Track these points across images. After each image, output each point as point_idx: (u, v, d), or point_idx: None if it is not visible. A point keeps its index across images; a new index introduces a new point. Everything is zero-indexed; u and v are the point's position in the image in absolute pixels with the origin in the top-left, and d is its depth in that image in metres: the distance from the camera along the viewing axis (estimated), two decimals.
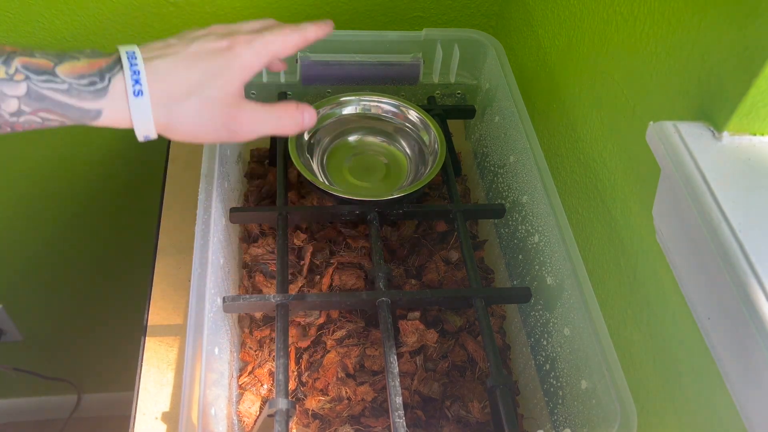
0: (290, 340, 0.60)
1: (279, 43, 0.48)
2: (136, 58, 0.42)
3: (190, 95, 0.43)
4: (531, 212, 0.60)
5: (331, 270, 0.64)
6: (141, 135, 0.44)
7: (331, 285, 0.64)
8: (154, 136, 0.44)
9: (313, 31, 0.50)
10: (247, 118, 0.46)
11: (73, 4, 0.77)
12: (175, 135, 0.45)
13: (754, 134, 0.41)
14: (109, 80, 0.42)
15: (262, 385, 0.59)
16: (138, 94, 0.42)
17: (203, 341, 0.47)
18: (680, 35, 0.46)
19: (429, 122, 0.67)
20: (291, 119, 0.49)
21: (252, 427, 0.56)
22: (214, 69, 0.44)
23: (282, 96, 0.72)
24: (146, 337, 0.64)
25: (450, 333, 0.63)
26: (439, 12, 0.85)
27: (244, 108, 0.46)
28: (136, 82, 0.42)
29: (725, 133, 0.41)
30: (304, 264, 0.65)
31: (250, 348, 0.61)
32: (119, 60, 0.42)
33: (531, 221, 0.60)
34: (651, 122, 0.43)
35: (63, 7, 0.77)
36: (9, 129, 0.41)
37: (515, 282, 0.64)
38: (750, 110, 0.39)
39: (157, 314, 0.65)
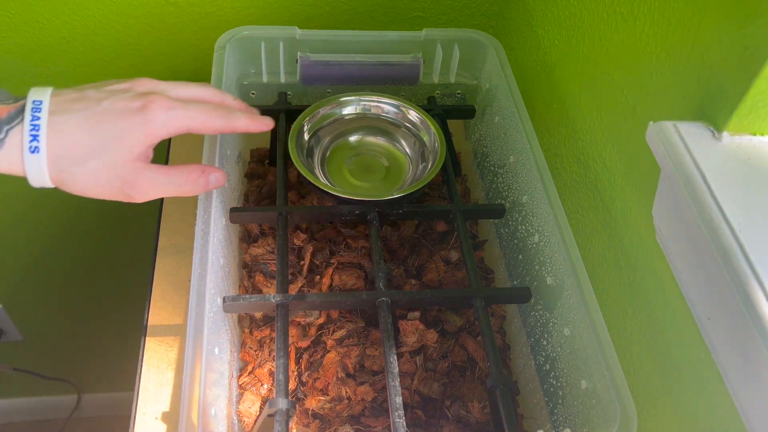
0: (290, 340, 0.60)
1: (199, 122, 0.46)
2: (40, 111, 0.41)
3: (88, 157, 0.42)
4: (531, 212, 0.60)
5: (331, 270, 0.64)
6: (35, 185, 0.43)
7: (331, 285, 0.64)
8: (49, 186, 0.44)
9: (243, 124, 0.49)
10: (144, 185, 0.45)
11: (73, 4, 0.77)
12: (68, 190, 0.44)
13: (754, 134, 0.41)
14: (6, 133, 0.41)
15: (262, 384, 0.59)
16: (34, 150, 0.41)
17: (203, 341, 0.47)
18: (680, 35, 0.46)
19: (429, 122, 0.67)
20: (193, 185, 0.48)
21: (252, 427, 0.56)
22: (118, 131, 0.43)
23: (282, 96, 0.72)
24: (146, 337, 0.64)
25: (450, 333, 0.63)
26: (439, 12, 0.85)
27: (144, 174, 0.45)
28: (34, 138, 0.41)
29: (725, 133, 0.41)
30: (304, 264, 0.65)
31: (250, 348, 0.61)
32: (23, 110, 0.41)
33: (531, 221, 0.60)
34: (651, 122, 0.43)
35: (63, 7, 0.77)
36: None
37: (515, 282, 0.64)
38: (750, 110, 0.39)
39: (157, 314, 0.65)
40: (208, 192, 0.54)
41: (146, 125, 0.43)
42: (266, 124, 0.51)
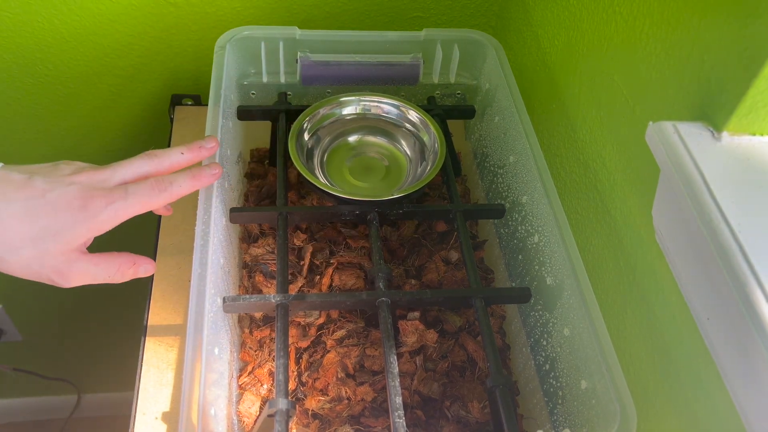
0: (290, 340, 0.60)
1: (142, 207, 0.47)
2: None
3: (23, 247, 0.43)
4: (531, 212, 0.60)
5: (331, 270, 0.64)
6: None
7: (331, 285, 0.64)
8: None
9: (187, 188, 0.50)
10: (74, 275, 0.46)
11: (73, 4, 0.77)
12: (1, 269, 0.45)
13: (754, 134, 0.41)
14: None
15: (262, 385, 0.59)
16: None
17: (203, 341, 0.47)
18: (680, 35, 0.46)
19: (429, 122, 0.67)
20: (123, 275, 0.49)
21: (252, 427, 0.56)
22: (58, 226, 0.43)
23: (282, 96, 0.72)
24: (146, 337, 0.64)
25: (450, 333, 0.63)
26: (439, 12, 0.85)
27: (75, 264, 0.45)
28: None
29: (725, 133, 0.41)
30: (304, 264, 0.65)
31: (250, 348, 0.62)
32: None
33: (531, 221, 0.60)
34: (650, 122, 0.43)
35: (63, 7, 0.77)
36: None
37: (515, 282, 0.64)
38: (750, 110, 0.39)
39: (157, 314, 0.65)
40: (208, 192, 0.54)
41: (88, 221, 0.44)
42: (212, 175, 0.52)
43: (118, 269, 0.48)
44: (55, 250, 0.44)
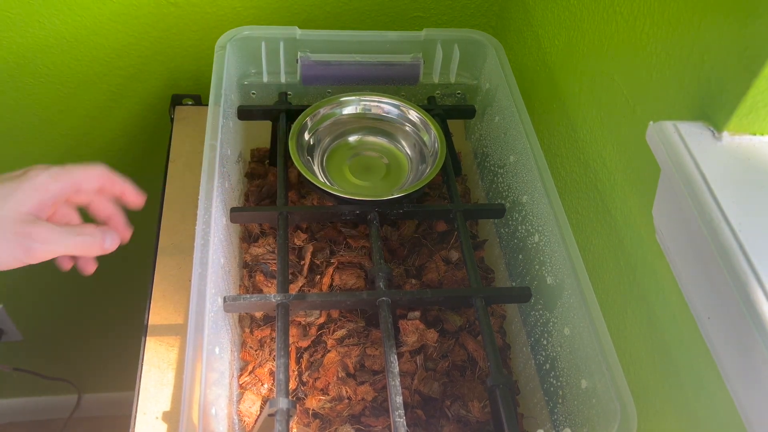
0: (291, 340, 0.60)
1: (82, 174, 0.50)
2: None
3: None
4: (531, 212, 0.60)
5: (331, 270, 0.64)
6: None
7: (331, 285, 0.64)
8: None
9: (124, 191, 0.56)
10: (43, 235, 0.46)
11: (73, 4, 0.77)
12: None
13: (754, 134, 0.41)
14: None
15: (262, 384, 0.59)
16: None
17: (204, 341, 0.47)
18: (680, 35, 0.46)
19: (429, 122, 0.67)
20: (88, 243, 0.49)
21: (252, 427, 0.56)
22: (3, 192, 0.46)
23: (282, 96, 0.72)
24: (147, 337, 0.64)
25: (450, 332, 0.63)
26: (439, 12, 0.85)
27: (40, 225, 0.47)
28: None
29: (725, 133, 0.41)
30: (304, 264, 0.65)
31: (251, 347, 0.62)
32: None
33: (531, 221, 0.60)
34: (651, 122, 0.43)
35: (63, 7, 0.77)
36: None
37: (515, 282, 0.64)
38: (750, 110, 0.39)
39: (157, 314, 0.65)
40: (209, 192, 0.54)
41: (29, 181, 0.47)
42: (138, 197, 0.57)
43: (83, 231, 0.49)
44: (9, 213, 0.45)
